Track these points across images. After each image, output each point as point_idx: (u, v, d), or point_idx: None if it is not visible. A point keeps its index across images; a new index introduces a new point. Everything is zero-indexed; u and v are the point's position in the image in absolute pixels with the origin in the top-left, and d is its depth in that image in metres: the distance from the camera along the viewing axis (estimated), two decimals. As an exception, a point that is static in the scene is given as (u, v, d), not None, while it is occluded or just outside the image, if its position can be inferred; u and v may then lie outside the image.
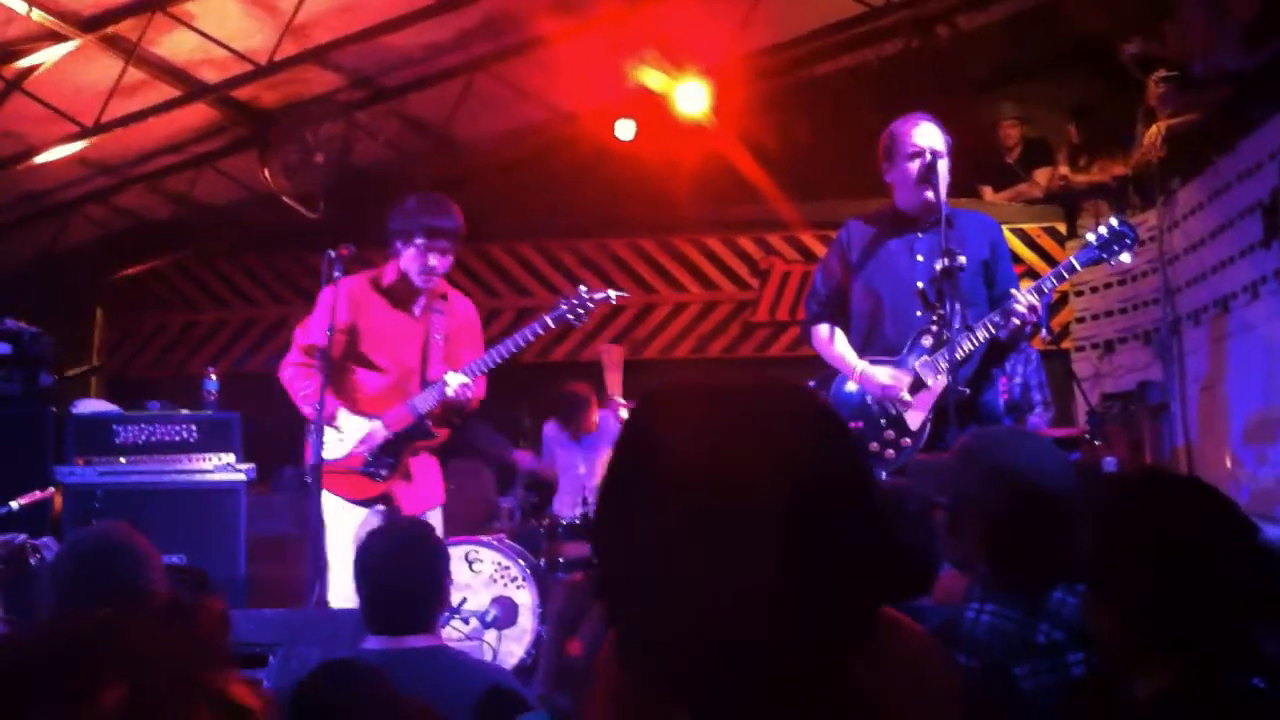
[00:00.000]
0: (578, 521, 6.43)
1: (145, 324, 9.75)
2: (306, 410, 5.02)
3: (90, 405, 6.53)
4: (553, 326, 5.13)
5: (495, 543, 5.84)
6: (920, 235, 4.56)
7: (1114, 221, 4.51)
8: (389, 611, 3.04)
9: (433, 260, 4.95)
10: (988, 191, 9.17)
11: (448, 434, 5.23)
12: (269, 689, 2.96)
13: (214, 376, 6.63)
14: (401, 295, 5.07)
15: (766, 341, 9.09)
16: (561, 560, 6.24)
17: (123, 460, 6.22)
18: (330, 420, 4.96)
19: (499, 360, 5.04)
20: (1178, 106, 7.62)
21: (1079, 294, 8.66)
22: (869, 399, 4.57)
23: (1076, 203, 8.84)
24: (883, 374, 4.51)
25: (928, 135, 4.55)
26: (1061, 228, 8.90)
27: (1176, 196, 7.63)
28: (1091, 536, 2.01)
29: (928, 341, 4.48)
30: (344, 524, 4.96)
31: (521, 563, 5.75)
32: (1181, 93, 7.61)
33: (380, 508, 5.07)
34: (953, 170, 4.54)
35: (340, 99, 7.64)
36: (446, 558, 3.27)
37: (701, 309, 9.18)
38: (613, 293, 5.28)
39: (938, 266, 4.31)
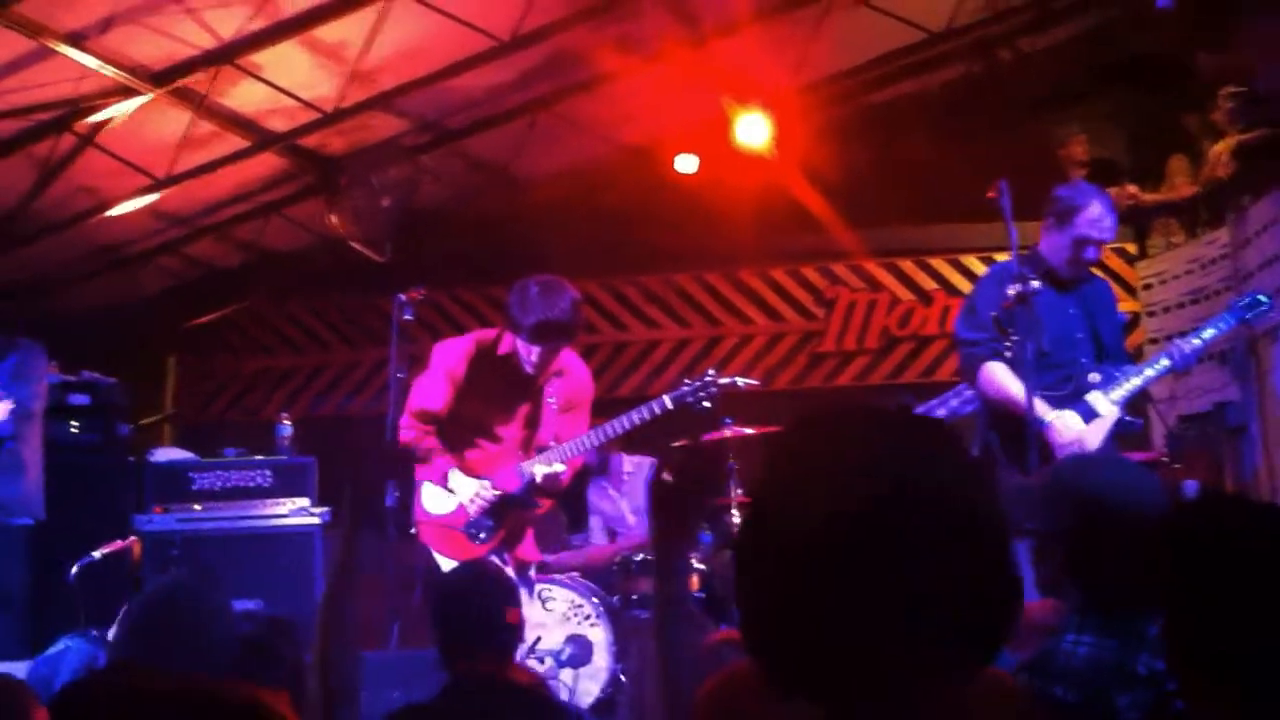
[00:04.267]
0: (650, 560, 6.39)
1: (217, 371, 9.86)
2: (420, 471, 5.07)
3: (167, 454, 6.64)
4: (670, 408, 5.07)
5: (568, 581, 5.82)
6: (1072, 292, 4.95)
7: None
8: (463, 650, 3.04)
9: (538, 356, 4.94)
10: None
11: (551, 505, 5.27)
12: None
13: (288, 421, 6.71)
14: (514, 363, 5.06)
15: (834, 372, 9.03)
16: (635, 597, 6.21)
17: (199, 507, 6.30)
18: (441, 479, 5.01)
19: (602, 442, 5.05)
20: (1247, 122, 7.52)
21: (1151, 314, 8.52)
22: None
23: (1147, 222, 8.71)
24: (1073, 421, 4.70)
25: (1105, 229, 4.89)
26: (1132, 248, 8.77)
27: (1248, 213, 7.50)
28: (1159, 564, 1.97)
29: (1094, 380, 4.84)
30: None
31: (595, 600, 5.73)
32: (1250, 108, 7.51)
33: None
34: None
35: (405, 143, 7.72)
36: (516, 594, 3.27)
37: (768, 340, 9.14)
38: (740, 379, 5.22)
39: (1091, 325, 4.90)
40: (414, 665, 4.03)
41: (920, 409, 6.87)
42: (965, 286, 8.81)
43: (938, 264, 8.96)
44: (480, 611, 3.05)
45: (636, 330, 9.30)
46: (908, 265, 8.99)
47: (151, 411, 9.59)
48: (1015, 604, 1.34)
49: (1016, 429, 4.48)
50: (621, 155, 8.46)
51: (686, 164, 8.31)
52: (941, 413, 6.95)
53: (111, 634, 2.80)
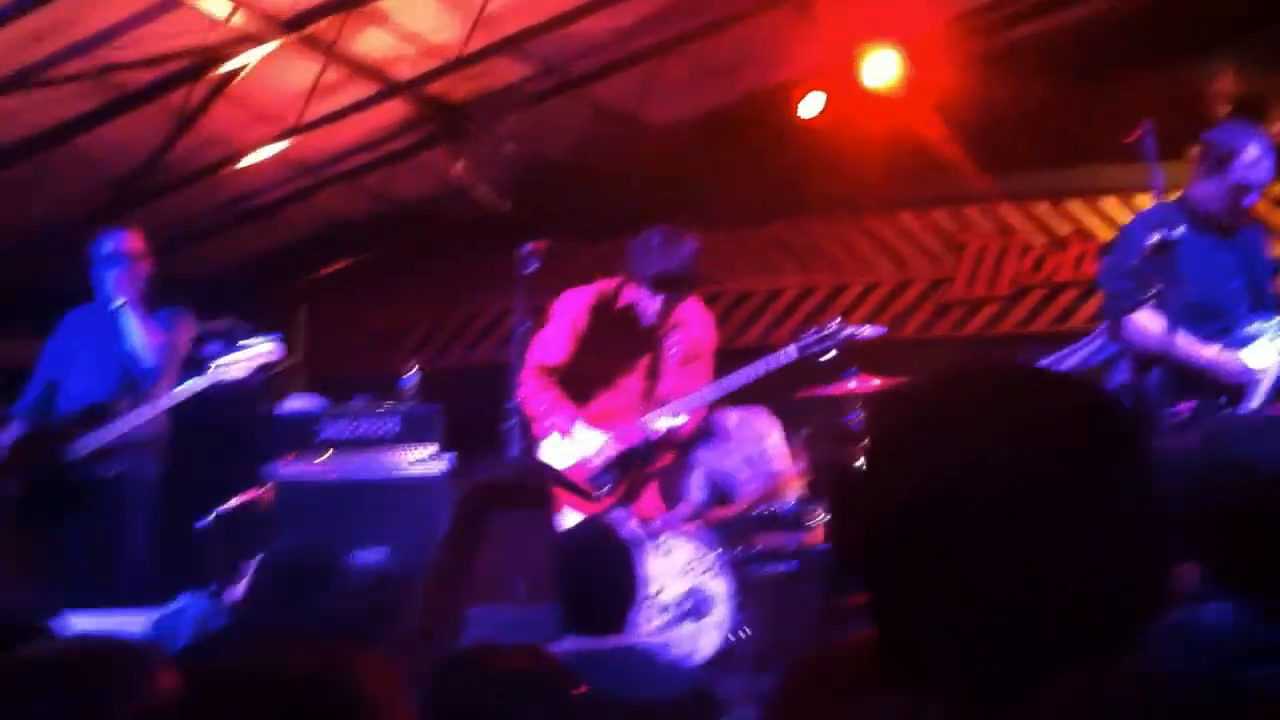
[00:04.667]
0: (771, 512, 6.31)
1: (346, 321, 10.01)
2: (544, 424, 5.09)
3: (297, 402, 6.72)
4: (796, 358, 5.00)
5: (691, 531, 5.78)
6: (1227, 237, 4.82)
7: None
8: (581, 611, 3.02)
9: (659, 307, 4.92)
10: (1196, 151, 8.67)
11: (671, 458, 5.24)
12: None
13: (414, 370, 6.75)
14: (635, 315, 5.04)
15: (962, 320, 8.79)
16: (756, 550, 6.14)
17: (328, 455, 6.38)
18: (564, 432, 5.01)
19: (725, 393, 5.00)
20: None
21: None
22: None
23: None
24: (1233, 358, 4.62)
25: (1264, 171, 4.74)
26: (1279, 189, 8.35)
27: None
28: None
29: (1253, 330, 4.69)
30: None
31: (717, 552, 5.68)
32: None
33: None
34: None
35: (529, 89, 7.68)
36: (635, 556, 3.24)
37: (894, 288, 8.93)
38: (867, 328, 5.10)
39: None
40: (535, 622, 4.02)
41: (1050, 359, 6.66)
42: (1102, 231, 8.51)
43: (1074, 207, 8.63)
44: (599, 574, 3.03)
45: (759, 279, 9.17)
46: (1042, 209, 8.68)
47: (285, 359, 9.80)
48: (1157, 595, 1.22)
49: (1172, 373, 4.39)
50: (747, 99, 8.30)
51: (812, 106, 8.12)
52: (1072, 361, 6.74)
53: (238, 592, 2.83)
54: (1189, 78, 8.39)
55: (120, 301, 5.67)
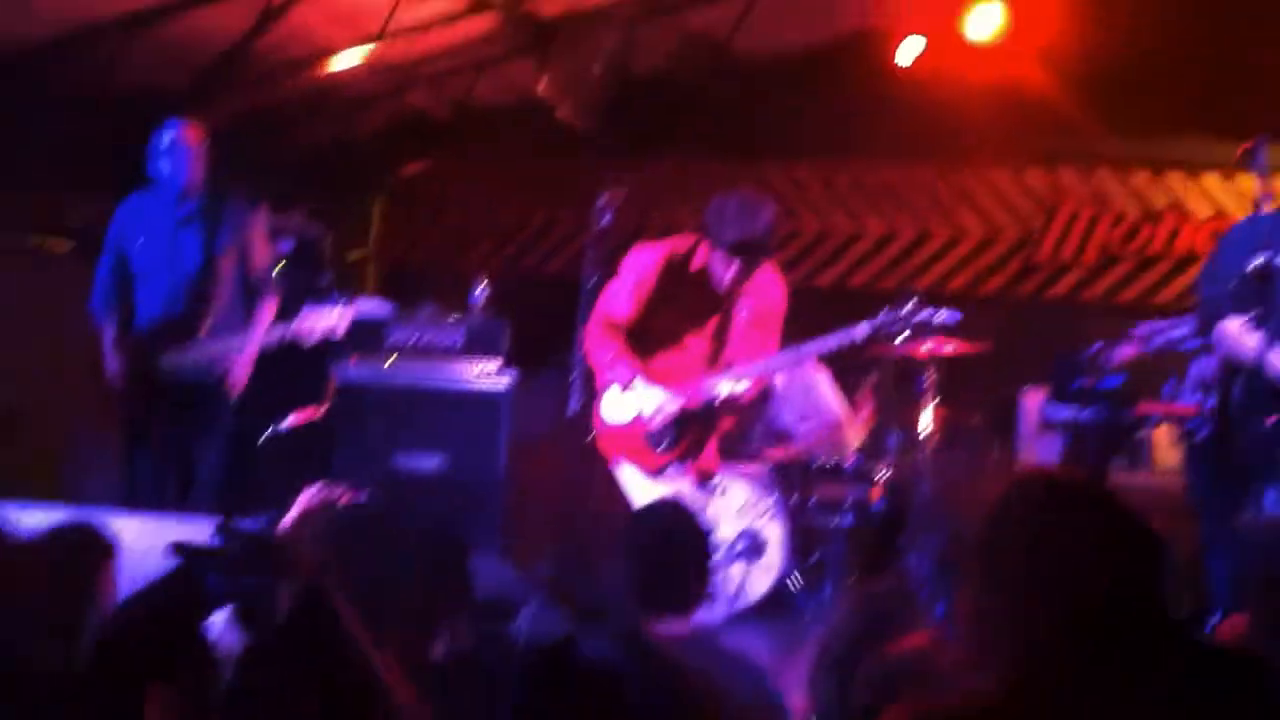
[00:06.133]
0: (834, 464, 6.25)
1: (421, 219, 10.00)
2: (605, 376, 5.04)
3: (366, 305, 6.70)
4: (869, 335, 4.88)
5: (749, 474, 5.74)
6: None
7: None
8: (646, 595, 2.99)
9: (735, 271, 4.83)
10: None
11: (734, 421, 5.18)
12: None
13: (483, 283, 6.71)
14: (708, 277, 4.96)
15: (1046, 283, 8.57)
16: (813, 500, 6.09)
17: (393, 360, 6.39)
18: (627, 385, 4.97)
19: (790, 364, 4.93)
20: None
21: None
22: None
23: None
24: None
25: None
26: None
27: None
28: None
29: None
30: (634, 491, 5.02)
31: (774, 497, 5.64)
32: None
33: None
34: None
35: (622, 13, 7.52)
36: (707, 545, 3.21)
37: (978, 244, 8.72)
38: (943, 312, 4.94)
39: None
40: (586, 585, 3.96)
41: (1143, 329, 6.50)
42: (1201, 208, 8.25)
43: (1174, 179, 8.34)
44: (672, 568, 2.99)
45: (840, 221, 9.00)
46: (1141, 178, 8.39)
47: (359, 249, 9.84)
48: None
49: (1260, 385, 4.20)
50: (844, 39, 8.08)
51: (910, 51, 7.87)
52: (1160, 341, 6.56)
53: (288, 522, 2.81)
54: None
55: (187, 210, 5.61)
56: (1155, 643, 1.73)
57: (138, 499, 5.41)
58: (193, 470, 5.50)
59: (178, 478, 5.50)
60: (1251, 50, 7.25)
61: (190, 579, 2.52)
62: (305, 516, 2.83)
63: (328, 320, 5.46)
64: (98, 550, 2.72)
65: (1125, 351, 6.63)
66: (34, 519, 2.89)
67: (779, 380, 7.02)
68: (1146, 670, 1.70)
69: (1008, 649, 1.76)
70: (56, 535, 2.72)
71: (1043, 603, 1.79)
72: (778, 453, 6.59)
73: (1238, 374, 4.43)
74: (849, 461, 6.01)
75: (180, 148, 5.55)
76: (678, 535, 3.09)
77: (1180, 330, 6.27)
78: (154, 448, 5.54)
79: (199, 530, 2.67)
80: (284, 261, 6.55)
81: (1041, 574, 1.81)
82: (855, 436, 6.41)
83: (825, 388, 6.34)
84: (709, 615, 4.41)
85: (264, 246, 5.81)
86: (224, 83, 7.55)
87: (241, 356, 5.54)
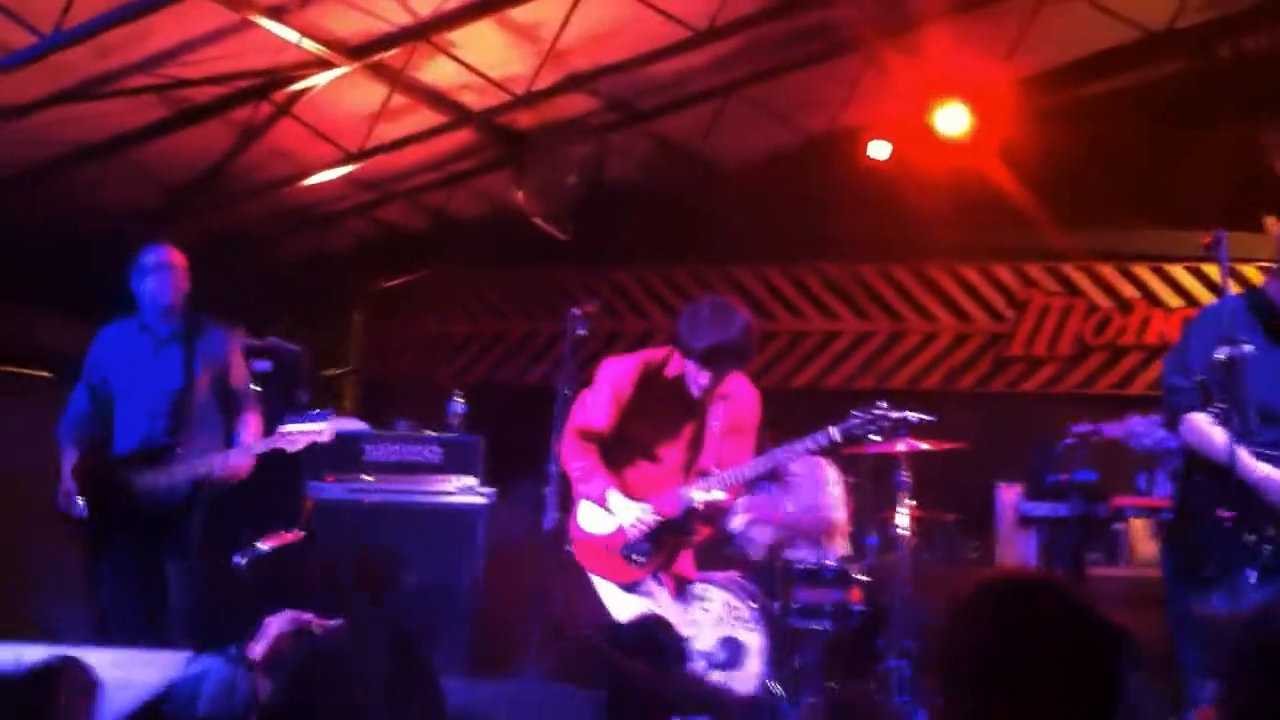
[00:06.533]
0: (814, 568, 6.24)
1: (400, 331, 10.05)
2: (580, 489, 5.05)
3: (342, 424, 6.71)
4: (839, 440, 4.89)
5: (727, 581, 5.71)
6: None
7: None
8: (625, 705, 2.97)
9: (707, 380, 4.85)
10: (1271, 222, 8.46)
11: (709, 533, 5.19)
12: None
13: (460, 399, 6.74)
14: (682, 386, 4.97)
15: (1020, 377, 8.64)
16: (795, 605, 6.07)
17: (370, 478, 6.39)
18: (600, 500, 4.97)
19: (762, 472, 4.94)
20: None
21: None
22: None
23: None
24: None
25: None
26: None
27: None
28: None
29: None
30: (611, 605, 5.01)
31: (753, 605, 5.60)
32: None
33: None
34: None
35: (594, 121, 7.66)
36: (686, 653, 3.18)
37: (953, 340, 8.81)
38: (913, 415, 4.97)
39: None
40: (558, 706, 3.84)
41: (1130, 428, 6.54)
42: (1169, 297, 8.36)
43: (1140, 271, 8.47)
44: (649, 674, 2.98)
45: (815, 320, 9.09)
46: (1108, 270, 8.52)
47: (338, 365, 9.87)
48: None
49: (1220, 479, 4.18)
50: (812, 141, 8.25)
51: (879, 151, 8.03)
52: (1148, 442, 6.60)
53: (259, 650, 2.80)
54: (1263, 138, 8.20)
55: (169, 331, 5.62)
56: None
57: (107, 627, 5.35)
58: (165, 595, 5.42)
59: (148, 603, 5.43)
60: (1197, 143, 7.44)
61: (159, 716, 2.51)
62: (275, 644, 2.82)
63: (313, 429, 5.45)
64: (80, 688, 2.70)
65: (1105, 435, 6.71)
66: (6, 655, 2.85)
67: (797, 469, 7.06)
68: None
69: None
70: (38, 674, 2.68)
71: (1005, 700, 1.80)
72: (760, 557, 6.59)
73: (1198, 465, 4.42)
74: (829, 563, 6.00)
75: (164, 268, 5.56)
76: (656, 653, 3.08)
77: (1160, 433, 6.29)
78: (123, 570, 5.48)
79: (172, 663, 2.66)
80: (264, 380, 6.55)
81: (1002, 674, 1.82)
82: (843, 544, 6.42)
83: (837, 490, 6.35)
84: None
85: (241, 366, 5.82)
86: (205, 200, 7.66)
87: (240, 453, 5.50)
